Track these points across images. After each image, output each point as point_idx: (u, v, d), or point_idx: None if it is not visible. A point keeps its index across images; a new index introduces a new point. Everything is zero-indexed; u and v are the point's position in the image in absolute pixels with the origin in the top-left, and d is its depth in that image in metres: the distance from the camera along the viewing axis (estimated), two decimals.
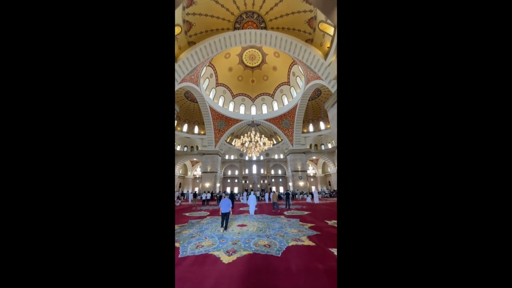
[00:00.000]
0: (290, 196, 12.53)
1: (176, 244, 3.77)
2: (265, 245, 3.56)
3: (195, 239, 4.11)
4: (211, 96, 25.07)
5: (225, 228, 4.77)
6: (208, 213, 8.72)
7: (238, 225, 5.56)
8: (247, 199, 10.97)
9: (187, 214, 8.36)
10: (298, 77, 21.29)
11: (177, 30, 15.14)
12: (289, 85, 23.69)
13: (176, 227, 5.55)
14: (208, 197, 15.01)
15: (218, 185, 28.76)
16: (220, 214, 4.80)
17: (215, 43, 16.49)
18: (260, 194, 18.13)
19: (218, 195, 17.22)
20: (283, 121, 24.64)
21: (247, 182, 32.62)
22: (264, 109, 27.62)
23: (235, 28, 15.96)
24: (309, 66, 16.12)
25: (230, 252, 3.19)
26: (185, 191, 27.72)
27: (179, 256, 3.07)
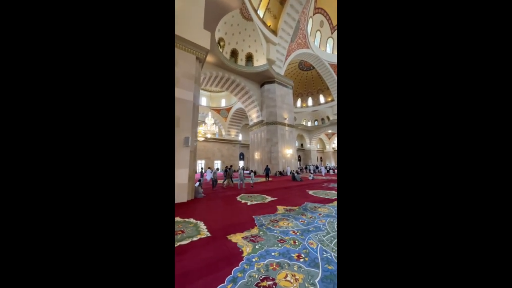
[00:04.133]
0: None
1: (247, 248, 2.01)
2: None
3: (281, 251, 1.99)
4: (329, 50, 19.21)
5: None
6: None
7: None
8: None
9: (310, 192, 6.34)
10: None
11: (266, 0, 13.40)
12: None
13: (281, 209, 3.95)
14: None
15: None
16: None
17: None
18: None
19: None
20: None
21: None
22: None
23: None
24: None
25: None
26: (327, 164, 25.85)
27: None
